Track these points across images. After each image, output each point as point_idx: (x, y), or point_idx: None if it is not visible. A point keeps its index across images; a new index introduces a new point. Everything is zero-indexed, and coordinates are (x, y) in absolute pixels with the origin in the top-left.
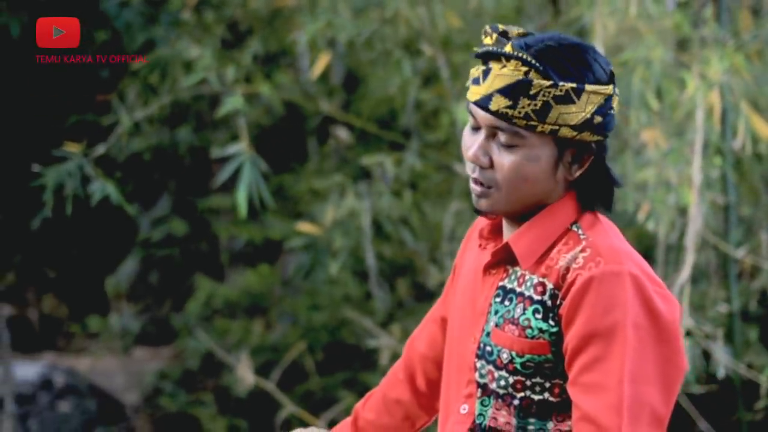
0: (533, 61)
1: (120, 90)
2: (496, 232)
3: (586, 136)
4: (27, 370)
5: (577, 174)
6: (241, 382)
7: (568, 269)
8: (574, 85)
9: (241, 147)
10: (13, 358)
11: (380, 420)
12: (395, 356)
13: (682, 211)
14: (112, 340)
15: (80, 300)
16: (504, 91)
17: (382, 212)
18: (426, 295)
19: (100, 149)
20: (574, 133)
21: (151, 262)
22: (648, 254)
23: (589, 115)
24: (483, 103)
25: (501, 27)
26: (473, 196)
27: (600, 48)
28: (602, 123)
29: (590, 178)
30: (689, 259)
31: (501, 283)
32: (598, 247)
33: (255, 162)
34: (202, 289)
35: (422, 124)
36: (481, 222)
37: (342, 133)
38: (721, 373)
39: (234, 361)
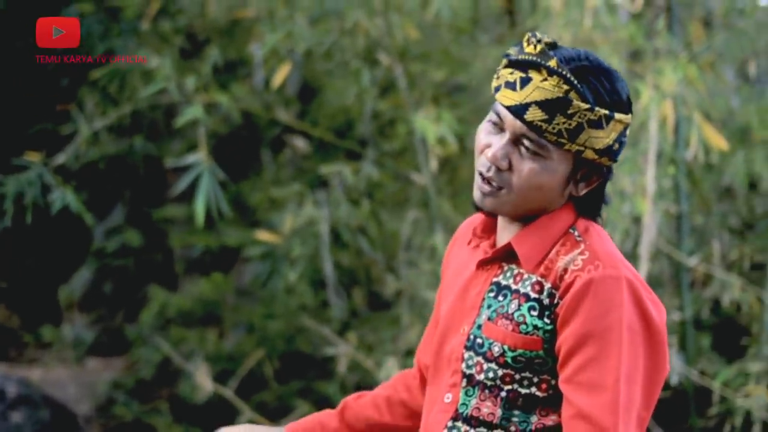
0: (575, 81)
1: (79, 99)
2: (489, 230)
3: (605, 161)
4: None
5: (584, 192)
6: (200, 389)
7: (566, 270)
8: (606, 112)
9: (200, 156)
10: None
11: (380, 418)
12: (353, 364)
13: (637, 220)
14: (64, 350)
15: (33, 310)
16: (543, 105)
17: (340, 221)
18: (382, 305)
19: (60, 158)
20: (596, 157)
21: (105, 272)
22: None
23: (611, 142)
24: (518, 111)
25: (545, 38)
26: (477, 192)
27: None
28: (618, 150)
29: (592, 195)
30: (643, 268)
31: (495, 279)
32: (596, 251)
33: (213, 171)
34: (155, 299)
35: (379, 133)
36: (462, 231)
37: (299, 143)
38: (674, 380)
39: (193, 368)
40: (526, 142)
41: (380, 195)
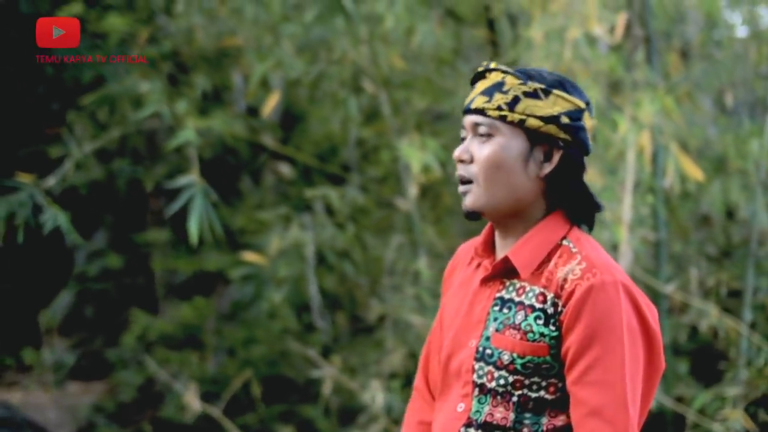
0: (509, 70)
1: (69, 123)
2: (489, 250)
3: (552, 129)
4: None
5: (548, 170)
6: (187, 409)
7: (566, 280)
8: (542, 86)
9: (192, 178)
10: None
11: None
12: (337, 387)
13: (615, 247)
14: (45, 373)
15: (13, 333)
16: (484, 92)
17: (325, 244)
18: (366, 329)
19: (51, 180)
20: (541, 124)
21: (87, 296)
22: None
23: (555, 113)
24: (467, 107)
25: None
26: (462, 198)
27: None
28: (571, 126)
29: (567, 187)
30: None
31: (498, 294)
32: (592, 260)
33: (206, 193)
34: (137, 323)
35: (363, 159)
36: (460, 257)
37: (283, 168)
38: (651, 405)
39: (181, 389)
40: (479, 129)
41: (365, 220)
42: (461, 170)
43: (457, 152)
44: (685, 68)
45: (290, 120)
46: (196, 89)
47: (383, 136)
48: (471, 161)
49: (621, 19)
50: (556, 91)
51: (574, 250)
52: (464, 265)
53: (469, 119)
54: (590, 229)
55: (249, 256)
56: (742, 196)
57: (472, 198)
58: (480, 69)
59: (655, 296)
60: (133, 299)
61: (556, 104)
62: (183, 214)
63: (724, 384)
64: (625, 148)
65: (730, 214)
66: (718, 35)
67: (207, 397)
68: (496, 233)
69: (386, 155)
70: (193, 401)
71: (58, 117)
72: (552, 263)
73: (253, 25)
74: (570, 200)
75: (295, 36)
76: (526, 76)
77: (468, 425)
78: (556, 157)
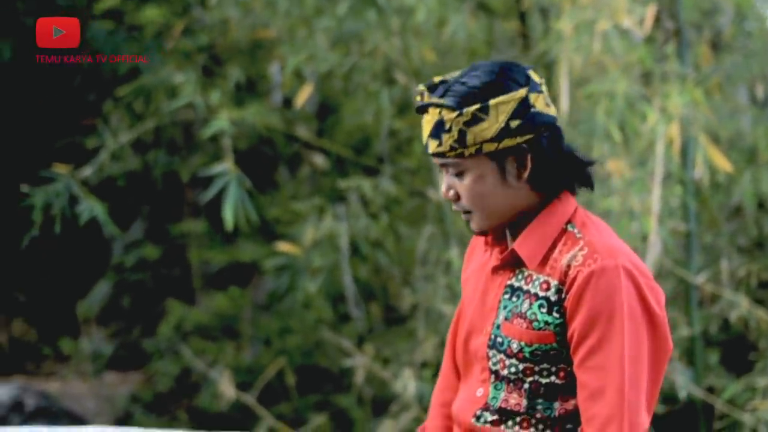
0: (441, 102)
1: (104, 114)
2: (499, 237)
3: (508, 142)
4: None
5: (526, 175)
6: (221, 397)
7: (569, 267)
8: (477, 106)
9: (226, 166)
10: None
11: None
12: (370, 376)
13: (645, 239)
14: (83, 363)
15: (52, 323)
16: (432, 135)
17: (359, 234)
18: (398, 318)
19: (87, 171)
20: (496, 144)
21: (124, 286)
22: None
23: (503, 124)
24: (426, 150)
25: (431, 81)
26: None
27: (564, 81)
28: (522, 125)
29: (553, 171)
30: None
31: (509, 282)
32: (594, 245)
33: (241, 181)
34: (173, 313)
35: (396, 151)
36: (478, 238)
37: (318, 159)
38: (682, 395)
39: (216, 376)
40: (448, 169)
41: (398, 210)
42: (455, 206)
43: (443, 193)
44: (716, 60)
45: (326, 111)
46: (230, 81)
47: (415, 128)
48: (458, 198)
49: (650, 11)
50: (492, 101)
51: (578, 235)
52: (482, 247)
53: (435, 161)
54: (591, 188)
55: (283, 246)
56: None
57: (475, 224)
58: (417, 104)
59: (686, 287)
60: (170, 289)
61: (499, 114)
62: (219, 205)
63: (755, 374)
64: (655, 139)
65: (761, 205)
66: (749, 26)
67: (243, 386)
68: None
69: (418, 146)
70: (227, 389)
71: (95, 108)
72: (557, 250)
73: (287, 17)
74: (561, 178)
75: (329, 29)
76: (457, 100)
77: (485, 410)
78: (528, 159)
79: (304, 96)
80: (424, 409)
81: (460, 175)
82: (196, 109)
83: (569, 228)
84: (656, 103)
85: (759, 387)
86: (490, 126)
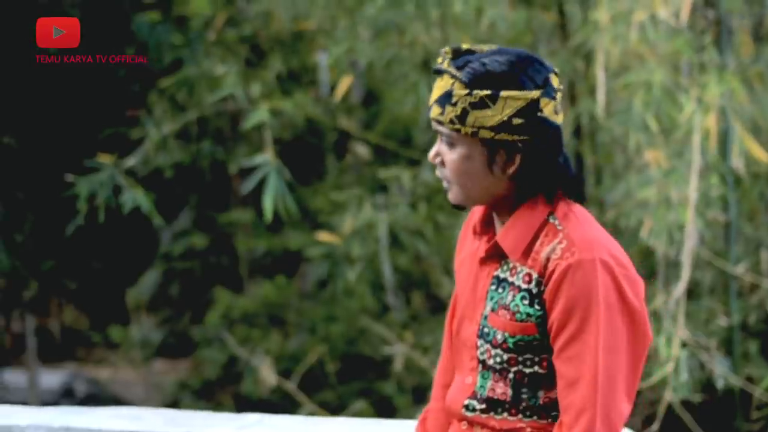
0: (457, 74)
1: (148, 105)
2: (487, 226)
3: (505, 135)
4: (50, 379)
5: (511, 171)
6: (263, 383)
7: (548, 260)
8: (488, 92)
9: (266, 157)
10: (37, 367)
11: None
12: (410, 364)
13: (682, 229)
14: (132, 351)
15: (101, 311)
16: (437, 101)
17: (398, 223)
18: (439, 307)
19: (130, 161)
20: (492, 134)
21: (172, 275)
22: (651, 269)
23: (506, 118)
24: (428, 112)
25: (457, 46)
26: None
27: (600, 71)
28: (524, 125)
29: (537, 177)
30: (685, 275)
31: (495, 273)
32: (573, 238)
33: (280, 171)
34: (221, 301)
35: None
36: (471, 221)
37: (361, 149)
38: (720, 384)
39: (258, 363)
40: (442, 137)
41: (438, 199)
42: (438, 171)
43: (430, 155)
44: (757, 50)
45: (371, 101)
46: (272, 72)
47: None
48: (443, 164)
49: (687, 1)
50: (504, 93)
51: (559, 227)
52: (471, 239)
53: (432, 124)
54: (580, 200)
55: (323, 236)
56: None
57: (451, 195)
58: (438, 63)
59: (725, 277)
60: (217, 278)
61: (505, 107)
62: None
63: None
64: (692, 129)
65: None
66: None
67: (287, 374)
68: (493, 210)
69: None
70: (268, 376)
71: (140, 99)
72: (539, 242)
73: (328, 9)
74: (544, 184)
75: (369, 20)
76: (473, 79)
77: (473, 398)
78: (517, 158)
79: (344, 87)
80: None
81: (450, 145)
82: (237, 101)
83: (551, 219)
84: (693, 93)
85: None
86: (493, 115)
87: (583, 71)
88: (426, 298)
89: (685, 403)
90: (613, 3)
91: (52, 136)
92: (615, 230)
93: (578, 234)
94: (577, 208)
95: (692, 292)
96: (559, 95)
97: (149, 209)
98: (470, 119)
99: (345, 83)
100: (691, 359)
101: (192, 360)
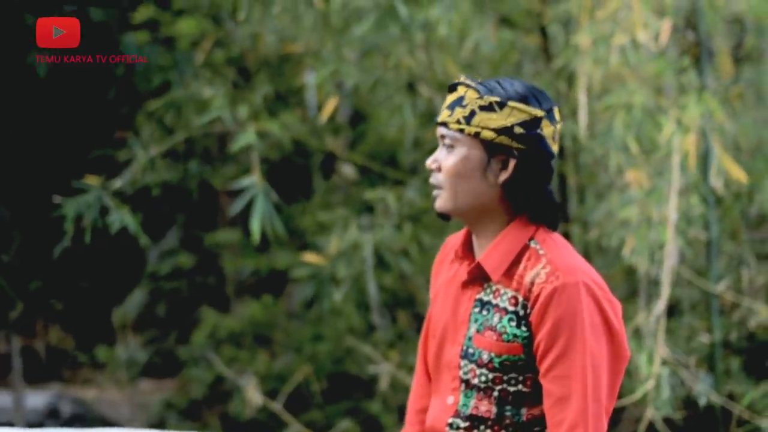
0: (473, 84)
1: (136, 127)
2: (468, 251)
3: (505, 140)
4: (36, 399)
5: (504, 178)
6: (249, 404)
7: (533, 284)
8: (497, 99)
9: (254, 179)
10: (23, 388)
11: None
12: (396, 384)
13: (662, 248)
14: (118, 370)
15: (88, 331)
16: (448, 106)
17: (383, 244)
18: None
19: (118, 182)
20: (494, 135)
21: (159, 294)
22: (633, 288)
23: (509, 124)
24: (437, 120)
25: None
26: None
27: (582, 93)
28: (524, 135)
29: (526, 192)
30: (664, 293)
31: (478, 296)
32: (556, 263)
33: (267, 193)
34: (207, 321)
35: (422, 161)
36: (448, 249)
37: (347, 170)
38: (702, 401)
39: (244, 383)
40: (444, 141)
41: (424, 220)
42: (432, 178)
43: (428, 161)
44: (737, 70)
45: (357, 122)
46: (259, 93)
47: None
48: (439, 170)
49: (666, 25)
50: (511, 103)
51: (540, 252)
52: (450, 261)
53: (438, 130)
54: (553, 228)
55: (309, 256)
56: None
57: (440, 202)
58: (452, 83)
59: (707, 296)
60: (204, 297)
61: (510, 116)
62: (251, 215)
63: None
64: (671, 150)
65: None
66: None
67: (273, 393)
68: (473, 235)
69: None
70: (254, 396)
71: (127, 121)
72: (522, 266)
73: (315, 31)
74: (529, 204)
75: (355, 42)
76: (486, 89)
77: (456, 416)
78: (512, 165)
79: (329, 109)
80: None
81: (450, 148)
82: (232, 121)
83: (532, 244)
84: (673, 115)
85: None
86: (498, 119)
87: (566, 93)
88: (411, 317)
89: (667, 421)
90: (595, 27)
91: (40, 157)
92: (598, 249)
93: (560, 259)
94: (555, 235)
95: (674, 310)
96: (558, 126)
97: (136, 229)
98: (476, 120)
99: (331, 104)
100: (672, 377)
101: (178, 380)
